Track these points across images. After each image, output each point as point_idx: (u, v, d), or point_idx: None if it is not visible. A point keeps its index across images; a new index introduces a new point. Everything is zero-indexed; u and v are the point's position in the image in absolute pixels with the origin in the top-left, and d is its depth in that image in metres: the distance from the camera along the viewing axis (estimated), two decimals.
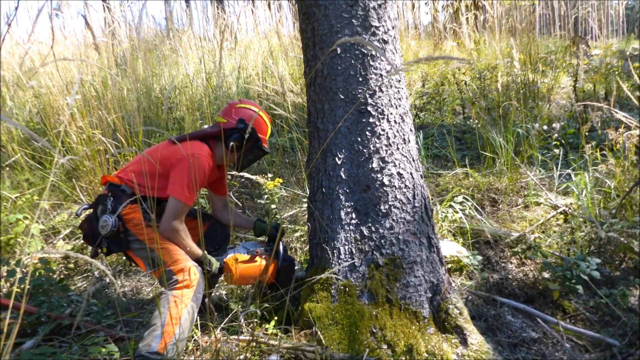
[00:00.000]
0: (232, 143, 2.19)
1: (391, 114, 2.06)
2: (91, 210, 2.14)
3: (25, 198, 3.33)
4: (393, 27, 2.08)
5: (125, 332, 2.20)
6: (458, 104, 5.29)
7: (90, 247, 2.16)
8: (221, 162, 2.32)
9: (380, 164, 2.04)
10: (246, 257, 2.25)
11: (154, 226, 1.92)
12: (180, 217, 2.03)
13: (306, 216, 2.42)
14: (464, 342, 1.92)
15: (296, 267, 2.33)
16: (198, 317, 2.14)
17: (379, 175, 2.03)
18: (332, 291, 2.01)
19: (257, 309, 1.94)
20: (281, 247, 2.30)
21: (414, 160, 2.13)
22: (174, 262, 1.97)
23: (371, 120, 2.03)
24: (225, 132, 2.18)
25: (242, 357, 1.87)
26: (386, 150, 2.04)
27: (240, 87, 4.93)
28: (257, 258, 2.27)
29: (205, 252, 2.15)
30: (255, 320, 1.94)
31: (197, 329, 2.00)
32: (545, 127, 4.23)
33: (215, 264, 2.15)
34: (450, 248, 2.68)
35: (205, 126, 3.77)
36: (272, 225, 2.46)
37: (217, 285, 2.62)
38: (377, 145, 2.03)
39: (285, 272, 2.28)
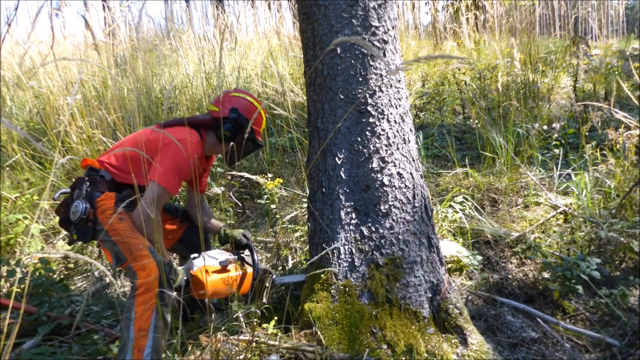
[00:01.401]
0: (224, 133, 2.05)
1: (391, 114, 2.06)
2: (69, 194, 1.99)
3: (25, 198, 3.33)
4: (393, 27, 2.08)
5: None
6: (458, 104, 5.29)
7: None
8: (210, 153, 2.19)
9: (380, 164, 2.04)
10: (217, 267, 2.04)
11: (122, 215, 1.77)
12: (158, 204, 1.84)
13: (306, 216, 2.41)
14: (464, 342, 1.92)
15: (273, 277, 2.18)
16: (198, 317, 2.14)
17: (379, 175, 2.03)
18: (332, 291, 2.01)
19: (257, 309, 1.93)
20: (256, 256, 2.16)
21: (414, 160, 2.13)
22: (134, 259, 1.76)
23: (371, 120, 2.03)
24: (217, 121, 2.05)
25: (242, 357, 1.87)
26: (386, 150, 2.04)
27: (240, 87, 4.94)
28: (230, 268, 2.07)
29: (172, 261, 1.93)
30: (255, 320, 1.94)
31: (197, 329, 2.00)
32: (545, 127, 4.23)
33: (180, 276, 1.89)
34: (450, 248, 2.68)
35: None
36: (240, 233, 2.28)
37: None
38: (377, 145, 2.03)
39: (260, 281, 2.12)
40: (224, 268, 2.06)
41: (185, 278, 1.93)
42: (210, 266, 2.03)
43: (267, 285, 2.15)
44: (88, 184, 1.90)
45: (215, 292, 2.01)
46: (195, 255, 2.09)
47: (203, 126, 2.10)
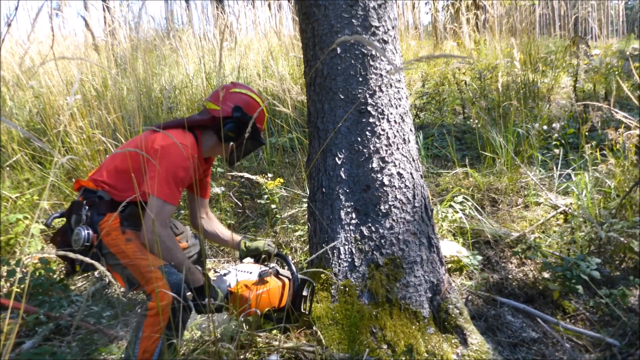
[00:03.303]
0: (227, 133, 1.90)
1: (391, 114, 2.06)
2: (64, 219, 1.84)
3: (25, 198, 3.33)
4: (393, 27, 2.08)
5: (125, 332, 2.20)
6: (458, 104, 5.29)
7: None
8: (210, 155, 2.05)
9: (380, 164, 2.04)
10: (254, 280, 1.91)
11: (130, 234, 1.66)
12: (162, 218, 1.70)
13: (306, 216, 2.41)
14: (464, 342, 1.92)
15: (314, 285, 2.04)
16: (198, 317, 2.14)
17: (379, 175, 2.03)
18: (332, 291, 2.01)
19: (257, 309, 1.93)
20: (293, 266, 2.04)
21: (414, 160, 2.13)
22: (146, 282, 1.67)
23: (371, 120, 2.03)
24: (217, 120, 1.89)
25: (242, 357, 1.87)
26: (386, 150, 2.04)
27: None
28: (269, 279, 1.93)
29: (210, 278, 1.77)
30: (255, 320, 1.94)
31: (197, 328, 2.00)
32: (545, 127, 4.23)
33: (221, 294, 1.79)
34: (450, 248, 2.68)
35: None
36: (265, 243, 2.15)
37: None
38: (377, 145, 2.03)
39: (299, 292, 1.99)
40: (262, 280, 1.92)
41: (225, 295, 1.84)
42: (248, 281, 1.91)
43: (306, 294, 2.02)
44: (87, 207, 1.76)
45: (259, 308, 1.88)
46: (225, 271, 1.98)
47: (200, 126, 1.96)
